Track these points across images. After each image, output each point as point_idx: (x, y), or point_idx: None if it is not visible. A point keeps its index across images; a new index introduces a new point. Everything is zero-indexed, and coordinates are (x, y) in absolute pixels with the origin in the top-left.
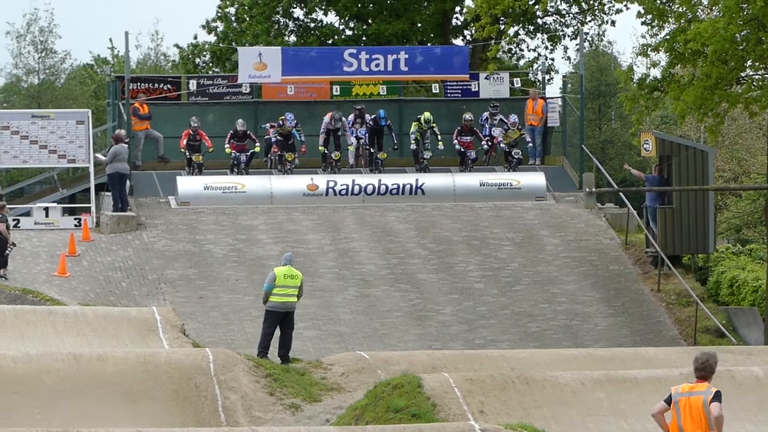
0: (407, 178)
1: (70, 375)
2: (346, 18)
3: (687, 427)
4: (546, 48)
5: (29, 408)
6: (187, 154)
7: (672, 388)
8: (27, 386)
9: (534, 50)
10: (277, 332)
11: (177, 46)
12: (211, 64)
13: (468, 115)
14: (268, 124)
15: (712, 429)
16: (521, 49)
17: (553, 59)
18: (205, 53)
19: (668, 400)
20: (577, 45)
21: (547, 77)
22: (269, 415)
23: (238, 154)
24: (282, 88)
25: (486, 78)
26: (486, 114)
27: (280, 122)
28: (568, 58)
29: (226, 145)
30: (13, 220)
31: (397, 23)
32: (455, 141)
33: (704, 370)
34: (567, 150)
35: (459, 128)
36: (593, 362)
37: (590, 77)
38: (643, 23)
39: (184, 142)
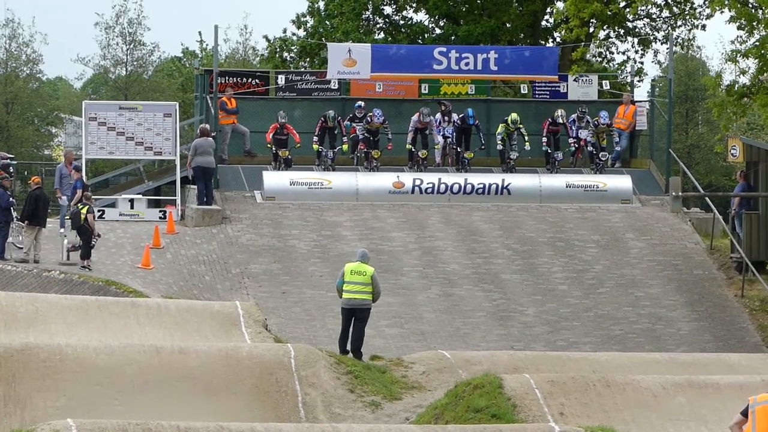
0: (493, 178)
1: (152, 367)
2: (436, 17)
3: None
4: (636, 52)
5: (110, 399)
6: (273, 148)
7: (749, 398)
8: (109, 378)
9: (623, 53)
10: None
11: (266, 38)
12: (298, 59)
13: (560, 112)
14: (347, 121)
15: None
16: (611, 52)
17: (642, 63)
18: (293, 47)
19: (745, 412)
20: (667, 49)
21: (636, 79)
22: (349, 412)
23: (325, 150)
24: (370, 86)
25: (575, 80)
26: (574, 116)
27: (357, 113)
28: (659, 63)
29: (315, 138)
30: (99, 211)
31: (486, 23)
32: (544, 134)
33: None
34: (654, 153)
35: (550, 120)
36: (675, 367)
37: (678, 81)
38: (738, 27)
39: (271, 136)
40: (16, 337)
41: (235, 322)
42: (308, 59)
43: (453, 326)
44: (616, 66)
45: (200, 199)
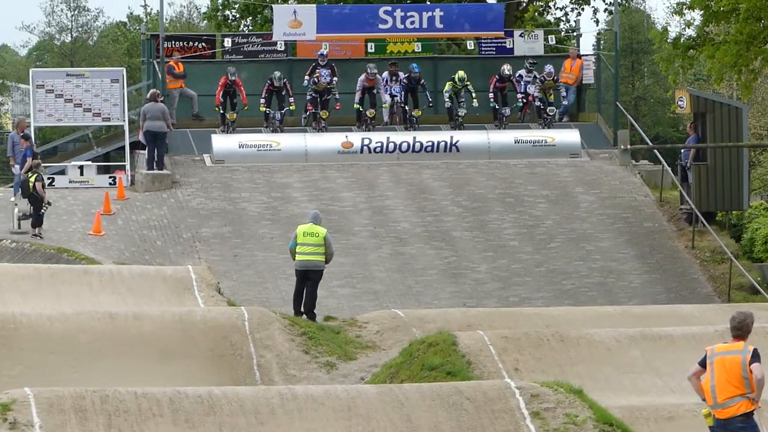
0: (442, 136)
1: (106, 334)
2: None
3: (721, 387)
4: (573, 10)
5: (66, 367)
6: (221, 109)
7: (707, 348)
8: (63, 345)
9: (561, 9)
10: None
11: None
12: (240, 18)
13: (507, 66)
14: (306, 80)
15: (749, 388)
16: (549, 7)
17: (578, 21)
18: (235, 5)
19: (703, 362)
20: (606, 4)
21: (574, 34)
22: (304, 374)
23: (272, 112)
24: (317, 46)
25: (521, 35)
26: (521, 71)
27: (314, 76)
28: (597, 21)
29: (261, 101)
30: (48, 178)
31: None
32: (491, 89)
33: (741, 329)
34: (601, 107)
35: (497, 76)
36: (628, 319)
37: (622, 35)
38: None
39: (220, 94)
40: None
41: (188, 287)
42: (250, 18)
43: (405, 285)
44: (555, 21)
45: (150, 164)
